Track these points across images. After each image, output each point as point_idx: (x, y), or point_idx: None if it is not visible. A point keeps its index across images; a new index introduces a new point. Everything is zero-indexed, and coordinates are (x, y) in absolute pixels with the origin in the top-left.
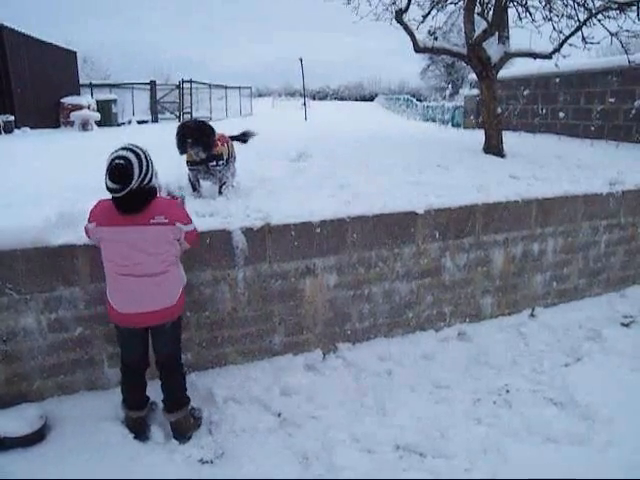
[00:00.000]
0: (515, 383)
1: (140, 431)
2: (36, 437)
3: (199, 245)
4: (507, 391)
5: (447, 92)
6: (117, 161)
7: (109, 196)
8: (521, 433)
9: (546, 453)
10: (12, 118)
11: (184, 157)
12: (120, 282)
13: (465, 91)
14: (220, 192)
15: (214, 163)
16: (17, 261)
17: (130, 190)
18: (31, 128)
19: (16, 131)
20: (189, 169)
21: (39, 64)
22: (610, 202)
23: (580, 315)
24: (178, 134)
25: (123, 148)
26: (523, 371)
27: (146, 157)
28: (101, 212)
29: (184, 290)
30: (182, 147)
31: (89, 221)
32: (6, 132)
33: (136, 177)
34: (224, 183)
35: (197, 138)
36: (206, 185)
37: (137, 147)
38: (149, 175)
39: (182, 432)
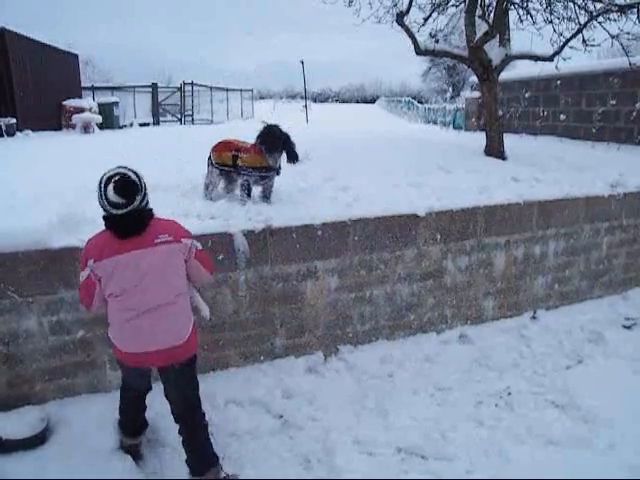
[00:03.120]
0: (517, 385)
1: (135, 457)
2: (38, 440)
3: (212, 269)
4: (509, 393)
5: (448, 94)
6: (119, 176)
7: (94, 231)
8: (522, 435)
9: (547, 455)
10: (14, 121)
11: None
12: (123, 320)
13: (466, 93)
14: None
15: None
16: (19, 263)
17: (134, 207)
18: (33, 131)
19: (18, 134)
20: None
21: (41, 67)
22: (612, 204)
23: (582, 317)
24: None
25: (118, 167)
26: (525, 373)
27: (141, 178)
28: (96, 247)
29: (195, 328)
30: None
31: (85, 262)
32: (8, 135)
33: (140, 193)
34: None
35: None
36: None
37: (131, 169)
38: (147, 195)
39: None
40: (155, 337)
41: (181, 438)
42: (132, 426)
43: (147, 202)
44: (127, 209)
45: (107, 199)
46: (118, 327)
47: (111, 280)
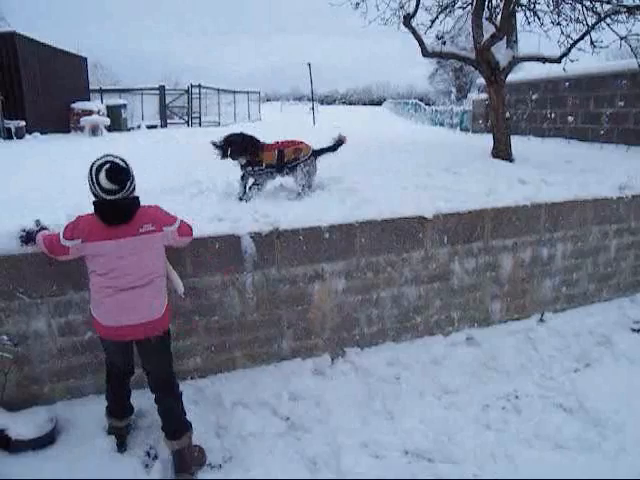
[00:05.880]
0: (524, 388)
1: (121, 442)
2: (46, 440)
3: (192, 234)
4: (516, 396)
5: (454, 96)
6: (110, 164)
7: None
8: (530, 439)
9: (555, 459)
10: (23, 123)
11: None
12: (105, 295)
13: (473, 95)
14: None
15: None
16: (28, 265)
17: (125, 193)
18: (42, 133)
19: (27, 136)
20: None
21: (50, 70)
22: (620, 206)
23: (590, 320)
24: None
25: (107, 155)
26: (532, 376)
27: (129, 165)
28: (85, 228)
29: (169, 306)
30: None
31: (70, 238)
32: (17, 137)
33: (130, 179)
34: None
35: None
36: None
37: (118, 156)
38: (134, 182)
39: (186, 467)
40: (135, 312)
41: (157, 407)
42: (118, 408)
43: (134, 188)
44: (118, 195)
45: (100, 185)
46: (101, 302)
47: (96, 261)
